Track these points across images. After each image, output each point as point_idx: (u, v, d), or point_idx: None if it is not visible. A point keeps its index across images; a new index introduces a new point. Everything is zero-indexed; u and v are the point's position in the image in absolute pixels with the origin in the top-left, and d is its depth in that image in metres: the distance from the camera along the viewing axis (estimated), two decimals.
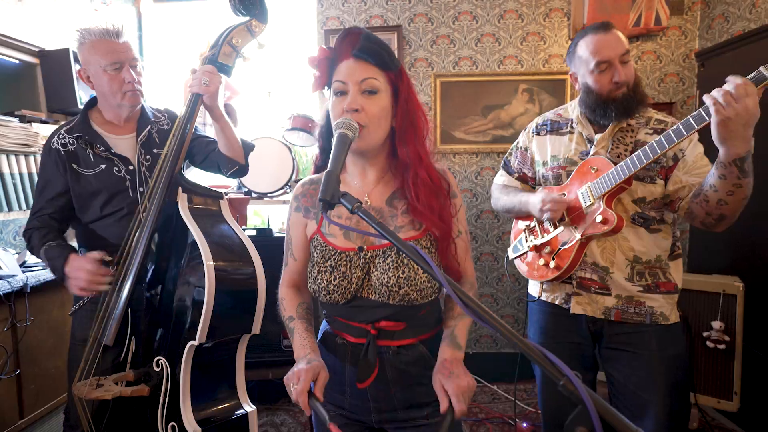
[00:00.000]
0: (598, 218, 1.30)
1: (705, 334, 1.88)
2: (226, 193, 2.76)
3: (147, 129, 1.52)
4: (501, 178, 1.67)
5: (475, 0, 2.71)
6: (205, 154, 1.55)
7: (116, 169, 1.45)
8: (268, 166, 2.71)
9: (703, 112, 1.08)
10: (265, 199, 2.80)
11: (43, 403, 1.82)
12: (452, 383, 0.85)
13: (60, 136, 1.43)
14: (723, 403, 1.85)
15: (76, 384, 1.26)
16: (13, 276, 1.67)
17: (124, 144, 1.49)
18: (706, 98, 1.04)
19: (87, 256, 1.31)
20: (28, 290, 1.71)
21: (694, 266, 2.48)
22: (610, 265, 1.35)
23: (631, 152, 1.31)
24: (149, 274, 1.38)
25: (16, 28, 2.32)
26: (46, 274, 1.81)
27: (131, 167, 1.47)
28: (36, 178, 2.17)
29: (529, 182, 1.60)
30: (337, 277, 0.95)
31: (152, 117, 1.56)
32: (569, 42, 2.69)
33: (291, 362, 2.66)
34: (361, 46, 0.92)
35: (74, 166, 1.43)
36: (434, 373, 0.90)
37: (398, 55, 2.73)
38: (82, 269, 1.28)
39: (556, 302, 1.44)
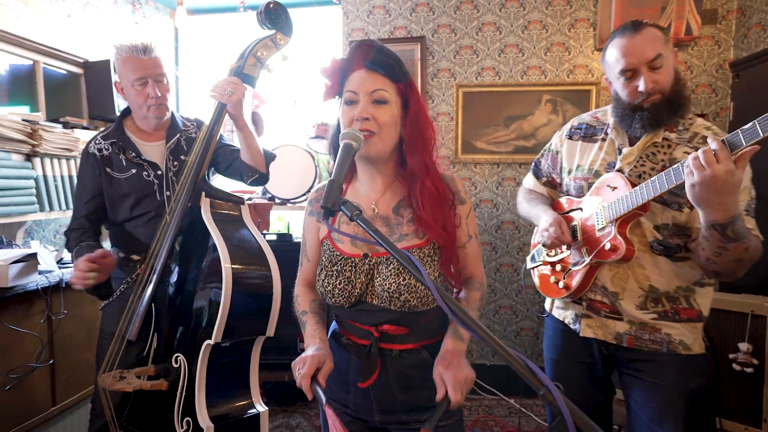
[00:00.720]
0: (607, 245, 1.20)
1: (731, 356, 1.79)
2: (251, 199, 2.85)
3: (176, 137, 1.60)
4: (528, 180, 1.57)
5: (499, 11, 2.72)
6: (229, 162, 1.62)
7: (146, 173, 1.54)
8: (292, 172, 2.79)
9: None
10: (288, 204, 2.88)
11: (73, 392, 1.93)
12: (451, 374, 0.87)
13: (96, 142, 1.54)
14: (751, 430, 1.76)
15: (101, 375, 1.34)
16: (50, 272, 1.78)
17: (154, 150, 1.58)
18: (687, 159, 0.98)
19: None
20: (64, 285, 1.82)
21: (724, 285, 2.38)
22: (620, 291, 1.24)
23: (659, 172, 1.15)
24: (173, 274, 1.45)
25: (64, 41, 2.50)
26: None
27: (159, 172, 1.55)
28: (75, 180, 2.32)
29: (557, 188, 1.48)
30: (342, 281, 0.99)
31: (182, 126, 1.64)
32: (595, 53, 2.66)
33: None
34: (374, 57, 0.96)
35: (108, 169, 1.53)
36: (435, 364, 0.92)
37: (421, 65, 2.77)
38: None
39: (566, 321, 1.36)
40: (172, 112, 1.63)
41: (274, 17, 1.46)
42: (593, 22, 2.63)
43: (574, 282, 1.28)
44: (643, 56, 1.14)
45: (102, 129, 1.61)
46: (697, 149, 1.12)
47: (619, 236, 1.18)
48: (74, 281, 1.36)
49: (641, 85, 1.14)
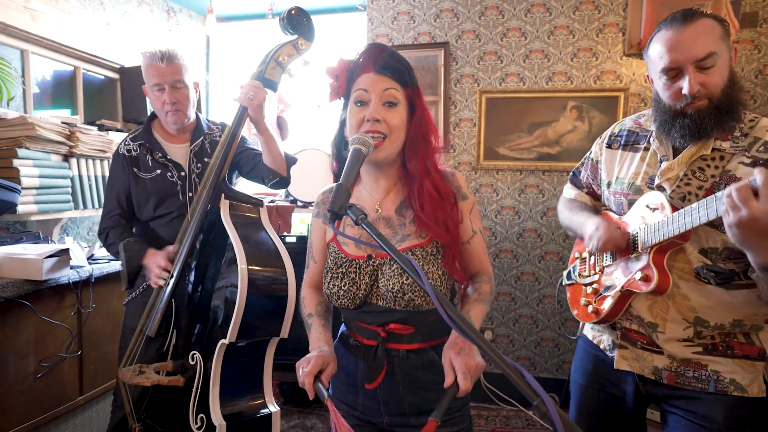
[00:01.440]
0: (638, 275, 1.04)
1: None
2: (273, 201, 2.91)
3: (200, 139, 1.66)
4: (568, 191, 1.40)
5: (524, 17, 2.69)
6: (251, 165, 1.66)
7: (170, 174, 1.60)
8: (315, 176, 2.83)
9: None
10: (310, 208, 2.92)
11: (99, 383, 2.01)
12: (461, 360, 0.84)
13: (126, 143, 1.61)
14: None
15: (121, 369, 1.39)
16: (81, 267, 1.87)
17: (179, 152, 1.64)
18: (724, 191, 0.84)
19: (165, 249, 1.46)
20: (93, 280, 1.90)
21: None
22: (660, 323, 1.06)
23: (709, 191, 0.99)
24: (192, 273, 1.49)
25: (103, 47, 2.63)
26: (110, 267, 2.01)
27: (183, 173, 1.61)
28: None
29: (599, 199, 1.31)
30: (347, 283, 0.99)
31: (206, 129, 1.70)
32: (623, 58, 2.58)
33: None
34: (385, 61, 0.97)
35: (135, 169, 1.59)
36: (444, 349, 0.89)
37: (444, 71, 2.76)
38: (156, 263, 1.43)
39: (601, 346, 1.20)
40: (197, 115, 1.69)
41: (297, 23, 1.49)
42: (622, 27, 2.56)
43: (605, 307, 1.13)
44: (690, 53, 0.96)
45: (132, 131, 1.69)
46: (755, 159, 0.97)
47: (652, 265, 1.02)
48: (154, 279, 1.44)
49: (685, 86, 0.97)
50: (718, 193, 0.86)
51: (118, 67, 2.74)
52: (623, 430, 1.20)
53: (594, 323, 1.19)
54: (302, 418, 2.58)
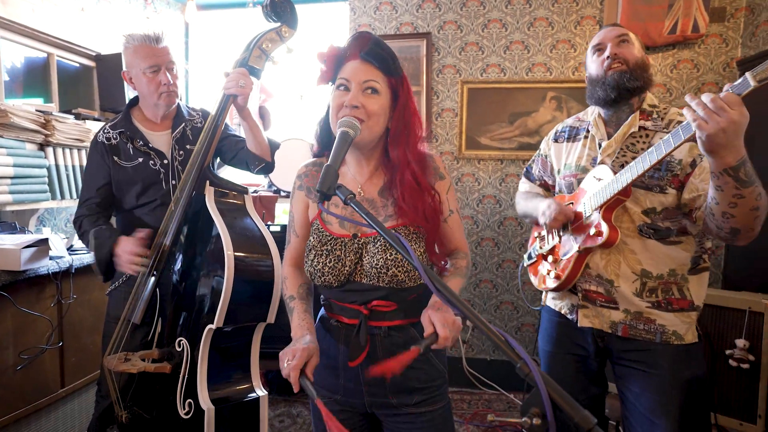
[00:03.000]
0: (592, 230, 1.25)
1: (728, 352, 1.79)
2: (257, 191, 2.90)
3: (181, 126, 1.64)
4: (523, 185, 1.65)
5: (505, 8, 2.73)
6: (234, 152, 1.65)
7: (152, 162, 1.58)
8: (298, 166, 2.82)
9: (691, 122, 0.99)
10: (283, 195, 2.92)
11: (81, 375, 1.99)
12: (440, 314, 0.86)
13: (105, 131, 1.58)
14: (746, 426, 1.76)
15: (107, 357, 1.39)
16: (61, 257, 1.84)
17: (160, 139, 1.62)
18: (685, 111, 0.98)
19: (135, 236, 1.43)
20: (73, 271, 1.87)
21: (731, 283, 2.37)
22: (615, 278, 1.27)
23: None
24: (177, 261, 1.49)
25: (77, 34, 2.56)
26: (90, 258, 1.98)
27: (165, 161, 1.60)
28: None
29: (550, 190, 1.57)
30: (332, 260, 1.01)
31: (187, 115, 1.68)
32: None
33: None
34: (369, 49, 0.98)
35: (115, 158, 1.57)
36: (424, 311, 0.91)
37: (426, 61, 2.78)
38: (127, 250, 1.40)
39: (562, 311, 1.39)
40: (178, 102, 1.67)
41: (280, 10, 1.49)
42: (600, 20, 2.63)
43: (566, 272, 1.31)
44: (611, 34, 1.30)
45: (111, 119, 1.65)
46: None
47: (602, 221, 1.23)
48: (126, 265, 1.40)
49: (606, 52, 1.27)
50: (646, 152, 1.11)
51: (94, 54, 2.67)
52: (589, 386, 1.37)
53: (556, 289, 1.36)
54: (288, 407, 2.60)
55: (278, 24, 1.51)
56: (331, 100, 1.02)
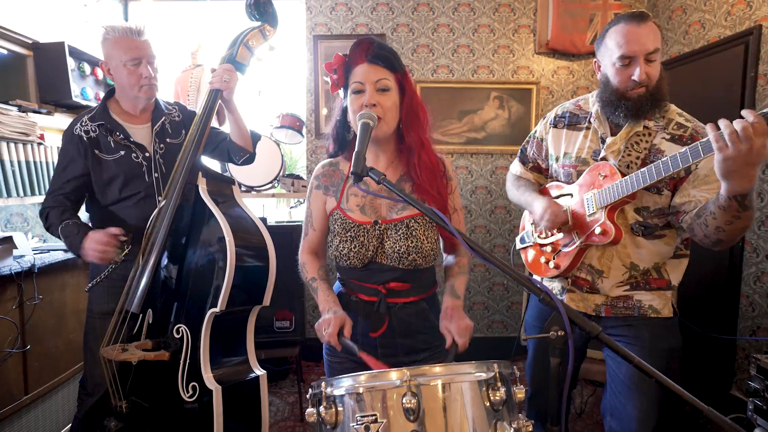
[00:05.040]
0: (597, 230, 1.28)
1: None
2: None
3: (161, 120, 1.65)
4: (515, 167, 1.63)
5: (452, 14, 2.97)
6: (215, 143, 1.69)
7: (134, 155, 1.58)
8: (258, 161, 2.83)
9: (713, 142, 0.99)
10: (253, 192, 2.94)
11: (45, 380, 1.89)
12: (454, 324, 1.06)
13: (83, 123, 1.55)
14: None
15: (105, 348, 1.38)
16: (22, 256, 1.75)
17: (141, 133, 1.62)
18: (709, 131, 0.98)
19: (105, 230, 1.44)
20: (36, 271, 1.78)
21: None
22: (605, 270, 1.34)
23: (643, 160, 1.25)
24: (168, 252, 1.51)
25: (10, 19, 2.37)
26: (52, 257, 1.89)
27: (147, 154, 1.60)
28: (33, 167, 2.23)
29: (543, 173, 1.57)
30: (357, 245, 1.15)
31: (165, 109, 1.69)
32: (534, 56, 3.00)
33: (283, 343, 2.84)
34: (375, 52, 1.12)
35: (96, 151, 1.55)
36: (440, 320, 1.11)
37: None
38: (98, 242, 1.41)
39: (554, 292, 1.47)
40: (155, 96, 1.67)
41: (262, 10, 1.57)
42: (533, 29, 2.97)
43: (564, 262, 1.38)
44: (644, 46, 1.18)
45: (85, 111, 1.61)
46: (672, 135, 1.24)
47: (608, 221, 1.26)
48: (98, 256, 1.41)
49: (636, 74, 1.18)
50: (663, 159, 1.12)
51: (30, 42, 2.48)
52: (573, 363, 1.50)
53: (554, 277, 1.44)
54: None
55: (260, 23, 1.59)
56: (350, 103, 1.14)
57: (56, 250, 1.98)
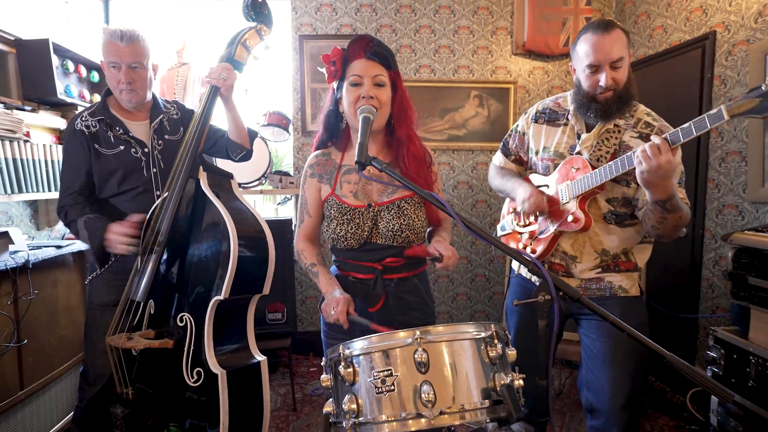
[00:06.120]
0: (570, 218, 1.40)
1: None
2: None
3: (159, 117, 1.70)
4: (498, 158, 1.74)
5: (433, 15, 3.09)
6: (213, 140, 1.75)
7: (133, 150, 1.62)
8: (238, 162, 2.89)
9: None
10: (241, 189, 2.98)
11: (39, 376, 1.90)
12: (443, 244, 1.19)
13: (83, 119, 1.58)
14: None
15: (111, 337, 1.43)
16: (16, 252, 1.76)
17: (140, 129, 1.66)
18: (636, 150, 1.19)
19: (126, 220, 1.49)
20: (30, 266, 1.80)
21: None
22: (578, 255, 1.46)
23: (613, 155, 1.37)
24: (170, 244, 1.56)
25: None
26: (45, 253, 1.90)
27: (146, 150, 1.64)
28: (20, 165, 2.22)
29: (523, 165, 1.67)
30: (353, 227, 1.24)
31: (163, 107, 1.74)
32: (512, 56, 3.15)
33: (275, 335, 2.91)
34: (374, 49, 1.22)
35: (96, 146, 1.58)
36: (430, 245, 1.23)
37: None
38: (122, 233, 1.46)
39: (532, 279, 1.57)
40: (153, 95, 1.72)
41: (259, 11, 1.63)
42: (510, 31, 3.12)
43: (540, 248, 1.50)
44: (608, 56, 1.29)
45: (86, 107, 1.64)
46: (640, 133, 1.37)
47: (579, 210, 1.39)
48: (116, 247, 1.46)
49: (602, 80, 1.31)
50: (627, 154, 1.24)
51: (12, 39, 2.45)
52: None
53: None
54: None
55: (257, 23, 1.65)
56: (345, 95, 1.23)
57: (48, 247, 1.99)
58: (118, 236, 1.45)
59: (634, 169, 1.24)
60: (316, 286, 1.33)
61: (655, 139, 1.16)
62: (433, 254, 1.15)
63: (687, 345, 2.48)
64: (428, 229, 1.41)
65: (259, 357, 1.57)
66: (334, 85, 1.30)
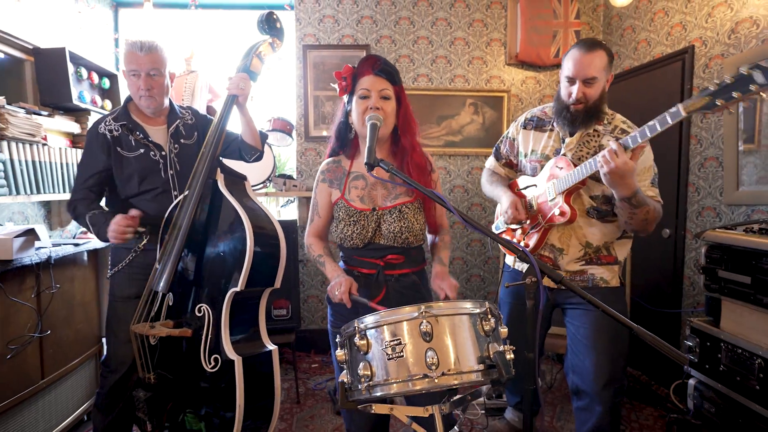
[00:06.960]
0: (557, 211, 1.55)
1: None
2: None
3: (176, 123, 1.82)
4: (490, 162, 1.91)
5: (430, 27, 3.25)
6: (227, 143, 1.87)
7: (152, 153, 1.74)
8: (251, 163, 3.01)
9: None
10: None
11: (58, 367, 2.00)
12: (446, 283, 1.31)
13: (107, 123, 1.71)
14: None
15: (135, 325, 1.54)
16: (41, 248, 1.87)
17: (158, 133, 1.79)
18: (598, 156, 1.37)
19: (125, 214, 1.60)
20: (53, 262, 1.91)
21: None
22: (565, 248, 1.61)
23: (593, 155, 1.50)
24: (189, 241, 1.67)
25: (12, 24, 2.47)
26: (65, 250, 2.01)
27: (163, 153, 1.77)
28: (39, 167, 2.34)
29: (513, 168, 1.83)
30: (358, 228, 1.37)
31: (179, 113, 1.86)
32: (505, 66, 3.31)
33: (280, 330, 3.06)
34: (381, 67, 1.36)
35: (118, 149, 1.70)
36: (432, 280, 1.35)
37: None
38: (118, 223, 1.57)
39: (523, 271, 1.71)
40: (170, 101, 1.84)
41: (272, 25, 1.77)
42: (504, 42, 3.28)
43: (532, 241, 1.66)
44: (583, 72, 1.47)
45: (108, 112, 1.77)
46: (616, 138, 1.49)
47: (565, 204, 1.54)
48: (115, 236, 1.56)
49: (573, 92, 1.49)
50: (594, 157, 1.42)
51: (31, 47, 2.57)
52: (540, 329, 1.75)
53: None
54: None
55: (270, 36, 1.79)
56: (355, 106, 1.37)
57: (66, 244, 2.10)
58: (116, 226, 1.56)
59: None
60: (323, 274, 1.46)
61: (613, 145, 1.33)
62: (441, 297, 1.28)
63: (671, 339, 2.62)
64: (430, 242, 1.54)
65: (271, 346, 1.68)
66: (345, 99, 1.44)
